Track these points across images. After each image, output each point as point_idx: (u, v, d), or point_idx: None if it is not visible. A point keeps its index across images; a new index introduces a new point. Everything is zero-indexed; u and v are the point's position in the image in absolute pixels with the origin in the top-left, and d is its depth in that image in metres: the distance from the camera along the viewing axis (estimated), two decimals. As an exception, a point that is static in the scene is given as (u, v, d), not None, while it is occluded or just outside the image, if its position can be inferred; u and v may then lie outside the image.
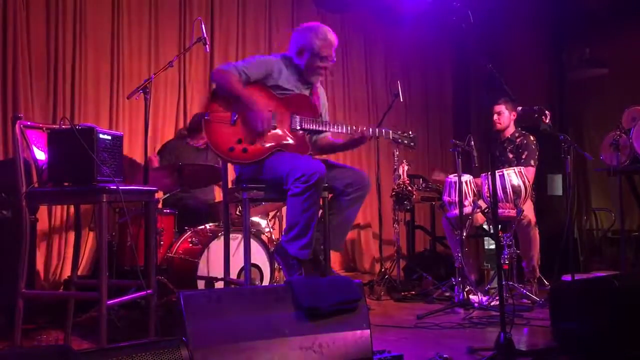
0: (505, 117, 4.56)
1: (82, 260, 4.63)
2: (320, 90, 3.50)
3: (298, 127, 3.20)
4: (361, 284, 2.21)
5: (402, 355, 2.52)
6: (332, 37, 3.33)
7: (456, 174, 4.18)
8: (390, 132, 3.35)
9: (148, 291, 2.88)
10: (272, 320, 2.01)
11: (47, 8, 4.76)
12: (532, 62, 7.34)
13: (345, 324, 2.07)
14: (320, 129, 3.25)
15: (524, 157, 4.44)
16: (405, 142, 3.36)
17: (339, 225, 3.27)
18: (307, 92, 3.36)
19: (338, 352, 2.02)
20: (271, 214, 4.60)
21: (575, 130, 7.49)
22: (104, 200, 2.64)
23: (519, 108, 4.32)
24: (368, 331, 2.08)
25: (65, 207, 4.69)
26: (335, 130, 3.28)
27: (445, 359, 2.59)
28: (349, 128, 3.27)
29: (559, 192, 6.19)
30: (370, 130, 3.30)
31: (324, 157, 3.51)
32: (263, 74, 3.23)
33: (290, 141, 3.19)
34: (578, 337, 2.51)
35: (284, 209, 3.90)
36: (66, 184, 2.79)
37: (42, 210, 4.63)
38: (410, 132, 3.41)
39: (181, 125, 5.40)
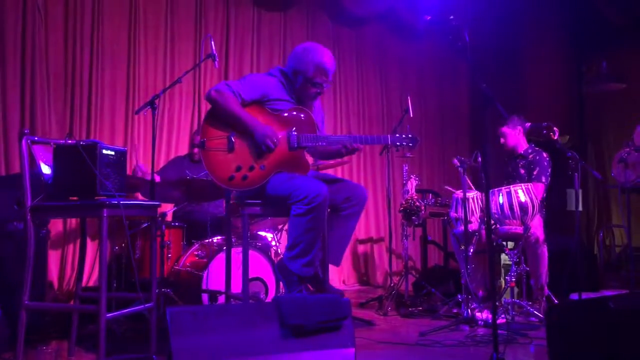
0: (509, 137, 4.58)
1: (93, 271, 4.74)
2: (316, 102, 3.48)
3: (296, 146, 3.20)
4: (349, 302, 2.22)
5: (394, 373, 2.52)
6: (328, 62, 3.27)
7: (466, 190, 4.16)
8: (389, 137, 3.32)
9: (147, 305, 2.93)
10: (257, 337, 2.03)
11: (65, 23, 4.90)
12: (551, 75, 7.28)
13: (330, 342, 2.08)
14: (319, 144, 3.25)
15: (535, 173, 4.43)
16: (404, 143, 3.32)
17: (338, 239, 3.29)
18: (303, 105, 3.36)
19: (321, 370, 2.03)
20: (280, 227, 4.63)
21: (595, 145, 7.41)
22: (105, 214, 2.71)
23: (527, 124, 4.30)
24: (352, 350, 2.09)
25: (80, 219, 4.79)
26: (334, 144, 3.28)
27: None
28: (345, 140, 3.26)
29: (579, 207, 6.12)
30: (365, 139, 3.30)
31: (323, 171, 3.53)
32: (258, 95, 3.22)
33: (290, 161, 3.19)
34: (574, 359, 2.48)
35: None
36: (74, 198, 2.87)
37: (58, 222, 4.75)
38: (409, 133, 3.35)
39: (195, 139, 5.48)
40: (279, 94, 3.29)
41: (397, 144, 3.31)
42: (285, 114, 3.25)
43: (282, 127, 3.22)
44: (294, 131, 3.21)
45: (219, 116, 3.15)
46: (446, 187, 4.86)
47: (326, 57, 3.29)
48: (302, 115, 3.26)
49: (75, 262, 4.78)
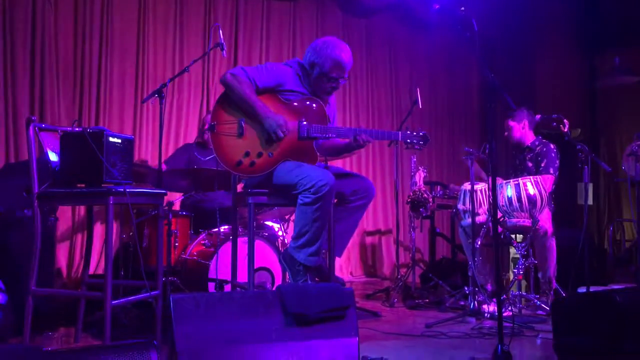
0: (514, 130, 4.54)
1: (101, 258, 4.77)
2: (331, 98, 3.47)
3: (306, 135, 3.19)
4: (352, 291, 2.21)
5: (398, 364, 2.52)
6: (346, 58, 3.26)
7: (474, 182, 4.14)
8: (400, 134, 3.30)
9: (153, 292, 2.95)
10: (260, 325, 2.03)
11: (75, 13, 4.92)
12: (562, 69, 7.23)
13: (332, 331, 2.08)
14: (328, 135, 3.24)
15: (542, 165, 4.38)
16: (415, 141, 3.29)
17: (342, 231, 3.29)
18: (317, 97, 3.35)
19: (324, 359, 2.03)
20: (287, 217, 4.63)
21: (607, 139, 7.35)
22: (111, 202, 2.71)
23: (537, 116, 4.26)
24: (355, 339, 2.09)
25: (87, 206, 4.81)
26: (343, 138, 3.28)
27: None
28: (355, 132, 3.24)
29: (590, 201, 6.09)
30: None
31: (331, 162, 3.51)
32: (273, 83, 3.22)
33: (299, 151, 3.18)
34: (579, 352, 2.47)
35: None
36: (82, 185, 2.88)
37: (67, 210, 4.78)
38: (420, 131, 3.32)
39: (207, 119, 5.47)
40: (294, 85, 3.28)
41: (408, 141, 3.30)
42: (297, 104, 3.24)
43: (293, 116, 3.21)
44: (305, 121, 3.20)
45: (231, 100, 3.16)
46: (451, 185, 4.84)
47: (344, 52, 3.28)
48: (313, 106, 3.25)
49: (83, 250, 4.80)
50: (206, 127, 4.71)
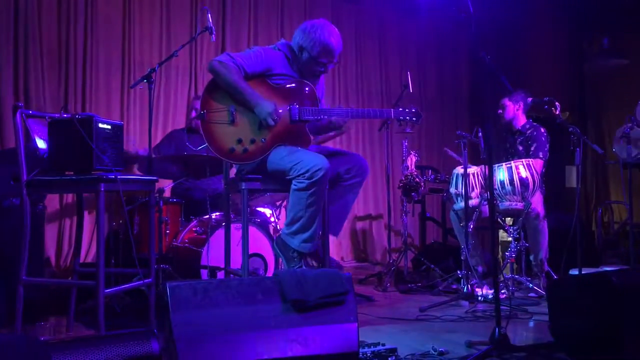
0: (508, 110, 4.53)
1: (90, 247, 4.72)
2: (320, 78, 3.43)
3: (297, 119, 3.16)
4: (350, 277, 2.20)
5: (395, 349, 2.51)
6: (335, 42, 3.22)
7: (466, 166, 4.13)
8: (392, 111, 3.28)
9: (146, 280, 2.91)
10: (258, 312, 2.01)
11: (58, -3, 4.81)
12: (553, 52, 7.23)
13: (331, 317, 2.06)
14: (320, 117, 3.21)
15: (532, 148, 4.39)
16: (408, 118, 3.28)
17: (338, 210, 3.27)
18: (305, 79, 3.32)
19: (323, 345, 2.02)
20: (278, 203, 4.60)
21: (596, 122, 7.38)
22: (101, 189, 2.67)
23: (529, 99, 4.26)
24: (355, 324, 2.07)
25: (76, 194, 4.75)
26: (335, 119, 3.24)
27: (440, 353, 2.57)
28: (347, 113, 3.23)
29: (579, 183, 6.11)
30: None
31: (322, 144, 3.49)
32: (262, 69, 3.18)
33: (291, 135, 3.15)
34: (575, 333, 2.47)
35: (289, 199, 3.90)
36: (71, 172, 2.83)
37: (54, 198, 4.71)
38: (412, 108, 3.31)
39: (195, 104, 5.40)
40: (283, 68, 3.24)
41: (401, 118, 3.29)
42: (288, 87, 3.21)
43: (283, 100, 3.18)
44: (296, 104, 3.17)
45: (220, 88, 3.11)
46: (446, 149, 4.78)
47: (333, 37, 3.23)
48: (304, 89, 3.22)
49: (72, 238, 4.76)
50: (193, 113, 4.66)
